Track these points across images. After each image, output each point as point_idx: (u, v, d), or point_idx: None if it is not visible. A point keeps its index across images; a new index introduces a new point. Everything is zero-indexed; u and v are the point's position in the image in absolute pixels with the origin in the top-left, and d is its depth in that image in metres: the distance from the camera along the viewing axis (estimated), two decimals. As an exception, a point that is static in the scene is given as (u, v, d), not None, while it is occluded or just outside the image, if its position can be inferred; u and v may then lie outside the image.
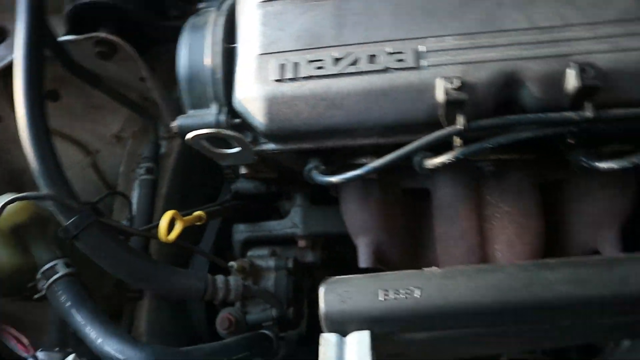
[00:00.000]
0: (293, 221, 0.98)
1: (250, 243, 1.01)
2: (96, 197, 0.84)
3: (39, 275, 0.72)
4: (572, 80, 0.61)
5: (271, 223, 1.01)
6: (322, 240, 0.99)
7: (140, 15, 1.03)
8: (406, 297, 0.53)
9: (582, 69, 0.61)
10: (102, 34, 0.96)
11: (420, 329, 0.53)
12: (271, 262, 0.96)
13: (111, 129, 1.17)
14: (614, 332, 0.58)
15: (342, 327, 0.53)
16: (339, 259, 1.04)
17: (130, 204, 1.01)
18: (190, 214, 0.85)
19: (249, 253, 0.99)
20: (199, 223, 0.83)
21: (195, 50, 0.75)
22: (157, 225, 0.75)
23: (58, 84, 1.08)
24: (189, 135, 0.69)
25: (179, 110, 0.82)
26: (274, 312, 0.86)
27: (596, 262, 0.55)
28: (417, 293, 0.53)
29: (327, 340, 0.53)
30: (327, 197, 0.90)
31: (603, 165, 0.65)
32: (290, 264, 0.95)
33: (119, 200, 1.11)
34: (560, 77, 0.63)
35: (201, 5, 0.88)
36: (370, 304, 0.54)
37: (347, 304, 0.54)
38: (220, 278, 0.78)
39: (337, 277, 0.59)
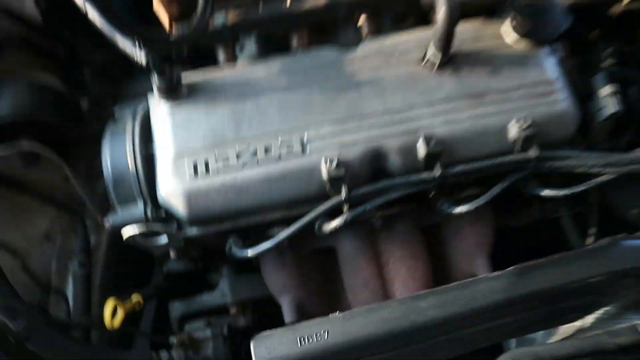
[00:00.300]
0: (222, 292, 1.08)
1: (187, 317, 1.10)
2: (29, 297, 0.91)
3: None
4: (421, 150, 0.80)
5: (203, 297, 1.10)
6: (252, 304, 1.10)
7: (58, 123, 1.13)
8: (317, 340, 0.66)
9: (427, 140, 0.80)
10: (25, 145, 1.04)
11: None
12: (208, 332, 1.04)
13: (39, 228, 1.23)
14: (487, 337, 0.73)
15: (272, 375, 0.65)
16: (270, 318, 1.15)
17: (66, 299, 1.07)
18: (127, 298, 0.94)
19: (187, 327, 1.07)
20: (138, 308, 0.93)
21: (118, 156, 0.87)
22: (98, 316, 0.83)
23: (-18, 192, 1.14)
24: (125, 236, 0.80)
25: (104, 204, 0.92)
26: (215, 377, 0.95)
27: (454, 287, 0.71)
28: (325, 335, 0.66)
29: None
30: (250, 265, 1.02)
31: (457, 209, 0.83)
32: (225, 331, 1.05)
33: (54, 296, 1.16)
34: (413, 148, 0.81)
35: (115, 109, 1.00)
36: (291, 351, 0.66)
37: (273, 354, 0.66)
38: (163, 354, 0.87)
39: (264, 332, 0.70)
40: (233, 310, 1.08)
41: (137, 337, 1.04)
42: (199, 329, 1.06)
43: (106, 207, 0.95)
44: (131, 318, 1.09)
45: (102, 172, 0.88)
